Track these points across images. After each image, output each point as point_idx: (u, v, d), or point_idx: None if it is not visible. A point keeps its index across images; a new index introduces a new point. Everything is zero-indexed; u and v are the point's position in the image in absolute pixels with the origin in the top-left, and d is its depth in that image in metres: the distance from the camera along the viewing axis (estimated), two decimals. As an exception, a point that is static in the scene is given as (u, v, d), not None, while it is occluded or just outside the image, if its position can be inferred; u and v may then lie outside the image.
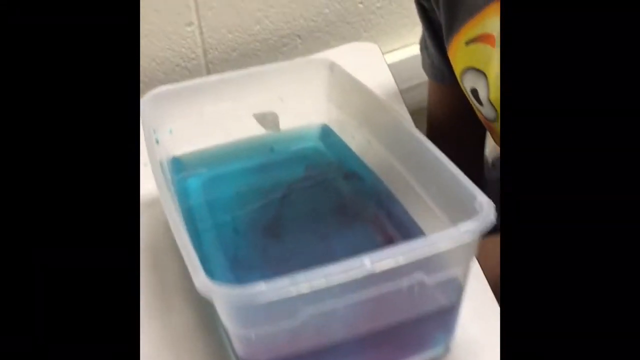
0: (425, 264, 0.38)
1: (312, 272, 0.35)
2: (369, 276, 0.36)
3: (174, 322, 0.48)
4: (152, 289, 0.51)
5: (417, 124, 0.65)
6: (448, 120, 0.75)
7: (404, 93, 0.73)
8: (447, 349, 0.44)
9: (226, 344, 0.44)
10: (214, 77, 0.60)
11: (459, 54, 0.60)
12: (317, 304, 0.37)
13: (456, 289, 0.41)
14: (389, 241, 0.48)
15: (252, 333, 0.37)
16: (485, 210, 0.38)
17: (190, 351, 0.46)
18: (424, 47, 0.70)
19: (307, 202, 0.55)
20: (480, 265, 0.49)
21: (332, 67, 0.57)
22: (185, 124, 0.57)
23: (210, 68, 0.85)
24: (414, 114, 0.70)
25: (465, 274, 0.41)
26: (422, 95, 0.78)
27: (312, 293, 0.35)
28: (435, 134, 0.77)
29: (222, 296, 0.35)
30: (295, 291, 0.35)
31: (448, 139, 0.75)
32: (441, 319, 0.42)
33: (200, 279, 0.36)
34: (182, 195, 0.56)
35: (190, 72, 0.84)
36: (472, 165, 0.78)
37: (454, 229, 0.37)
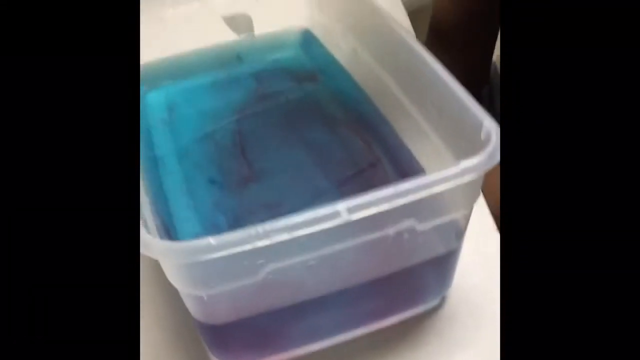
0: (416, 210, 0.31)
1: (274, 223, 0.28)
2: (345, 226, 0.29)
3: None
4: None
5: (416, 27, 0.57)
6: (457, 21, 0.67)
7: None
8: (442, 301, 0.38)
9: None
10: (176, -27, 0.51)
11: None
12: (282, 259, 0.30)
13: (455, 234, 0.34)
14: (378, 173, 0.41)
15: (203, 293, 0.31)
16: (493, 141, 0.31)
17: (143, 303, 0.40)
18: None
19: (284, 119, 0.47)
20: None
21: (314, -41, 0.48)
22: (144, 30, 0.49)
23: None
24: (413, 14, 0.61)
25: (467, 216, 0.34)
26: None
27: (274, 248, 0.28)
28: (440, 37, 0.68)
29: (163, 253, 0.28)
30: (251, 248, 0.28)
31: (455, 43, 0.67)
32: (436, 268, 0.36)
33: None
34: (142, 113, 0.48)
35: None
36: (477, 74, 0.71)
37: (452, 167, 0.30)
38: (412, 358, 0.36)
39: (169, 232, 0.39)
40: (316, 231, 0.28)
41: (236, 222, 0.39)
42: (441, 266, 0.36)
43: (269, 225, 0.28)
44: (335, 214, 0.29)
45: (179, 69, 0.51)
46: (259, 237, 0.28)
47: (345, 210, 0.29)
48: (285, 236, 0.28)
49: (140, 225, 0.29)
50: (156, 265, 0.41)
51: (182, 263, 0.29)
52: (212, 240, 0.28)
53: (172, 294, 0.39)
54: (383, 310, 0.36)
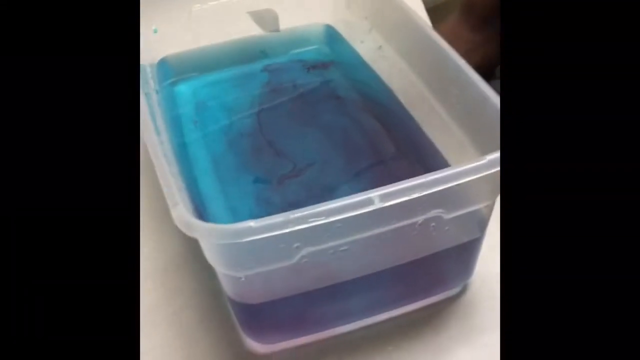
0: (443, 200, 0.32)
1: (311, 209, 0.30)
2: (376, 213, 0.30)
3: (163, 248, 0.44)
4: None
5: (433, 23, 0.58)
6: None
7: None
8: (464, 288, 0.39)
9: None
10: (204, -31, 0.52)
11: None
12: (317, 243, 0.31)
13: (478, 224, 0.36)
14: (401, 164, 0.43)
15: (241, 274, 0.32)
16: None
17: (177, 282, 0.41)
18: None
19: (308, 111, 0.48)
20: None
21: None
22: (172, 24, 0.51)
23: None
24: (430, 11, 0.62)
25: (490, 207, 0.35)
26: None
27: (310, 232, 0.30)
28: (473, 15, 0.68)
29: (205, 235, 0.30)
30: (289, 231, 0.30)
31: (487, 21, 0.67)
32: (460, 256, 0.37)
33: (179, 214, 0.30)
34: (170, 103, 0.50)
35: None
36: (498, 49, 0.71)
37: (479, 159, 0.31)
38: (434, 341, 0.37)
39: (200, 211, 0.41)
40: (350, 217, 0.30)
41: (260, 206, 0.41)
42: (464, 254, 0.37)
43: (306, 211, 0.30)
44: (369, 201, 0.30)
45: (206, 62, 0.53)
46: (296, 221, 0.30)
47: (378, 197, 0.30)
48: (321, 221, 0.30)
49: (181, 207, 0.31)
50: (189, 247, 0.43)
51: (223, 244, 0.31)
52: (252, 223, 0.29)
53: (204, 275, 0.41)
54: (408, 295, 0.38)
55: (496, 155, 0.31)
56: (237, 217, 0.41)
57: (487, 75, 0.37)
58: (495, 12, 0.68)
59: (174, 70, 0.52)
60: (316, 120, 0.48)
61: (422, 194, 0.31)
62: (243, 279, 0.33)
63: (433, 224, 0.33)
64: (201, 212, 0.41)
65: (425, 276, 0.37)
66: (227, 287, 0.34)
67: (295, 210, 0.30)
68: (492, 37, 0.69)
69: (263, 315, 0.35)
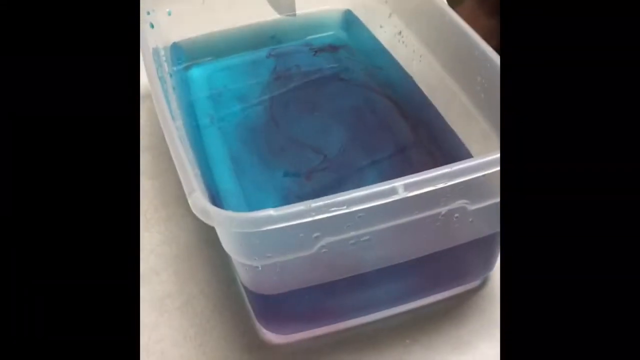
0: (468, 191, 0.31)
1: (333, 198, 0.29)
2: (399, 203, 0.30)
3: (175, 235, 0.43)
4: (150, 197, 0.45)
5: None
6: None
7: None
8: (484, 281, 0.39)
9: (233, 267, 0.38)
10: (220, -50, 0.51)
11: None
12: (337, 233, 0.31)
13: (501, 215, 0.35)
14: (421, 153, 0.42)
15: (259, 264, 0.31)
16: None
17: (191, 270, 0.41)
18: None
19: (326, 96, 0.47)
20: None
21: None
22: (187, 7, 0.50)
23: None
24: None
25: (514, 199, 0.34)
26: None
27: (331, 222, 0.29)
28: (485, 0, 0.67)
29: (223, 223, 0.29)
30: (310, 220, 0.29)
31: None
32: (481, 249, 0.36)
33: (196, 201, 0.29)
34: (183, 88, 0.49)
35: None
36: None
37: (506, 149, 0.30)
38: (454, 335, 0.36)
39: (215, 199, 0.40)
40: (372, 207, 0.29)
41: (275, 193, 0.41)
42: (486, 247, 0.36)
43: (328, 200, 0.29)
44: (392, 191, 0.29)
45: (220, 46, 0.52)
46: (317, 210, 0.29)
47: (402, 187, 0.29)
48: (342, 211, 0.29)
49: (198, 194, 0.30)
50: (202, 235, 0.42)
51: (241, 232, 0.30)
52: (272, 211, 0.29)
53: (217, 263, 0.40)
54: (427, 287, 0.37)
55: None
56: (251, 205, 0.40)
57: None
58: None
59: (188, 54, 0.51)
60: (334, 106, 0.47)
61: (447, 185, 0.30)
62: (260, 269, 0.32)
63: (457, 215, 0.32)
64: (215, 199, 0.40)
65: (446, 269, 0.36)
66: (244, 277, 0.34)
67: (317, 199, 0.29)
68: None
69: (279, 306, 0.34)
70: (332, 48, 0.51)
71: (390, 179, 0.30)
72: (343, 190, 0.29)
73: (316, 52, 0.51)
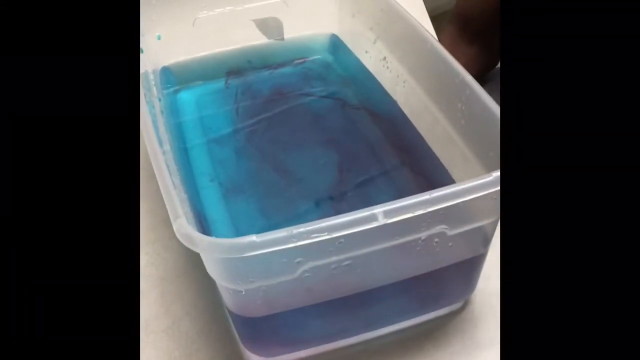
0: (448, 216, 0.32)
1: (315, 224, 0.29)
2: (380, 229, 0.30)
3: (162, 257, 0.43)
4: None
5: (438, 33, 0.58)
6: (484, 8, 0.67)
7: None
8: (465, 303, 0.39)
9: (218, 290, 0.39)
10: (210, -24, 0.52)
11: None
12: (319, 258, 0.31)
13: (482, 240, 0.35)
14: (408, 180, 0.42)
15: (242, 288, 0.32)
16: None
17: (177, 292, 0.41)
18: None
19: (309, 120, 0.48)
20: None
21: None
22: (176, 30, 0.51)
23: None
24: (434, 19, 0.63)
25: (494, 224, 0.35)
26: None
27: (313, 247, 0.30)
28: (465, 26, 0.68)
29: (207, 249, 0.30)
30: (292, 246, 0.29)
31: (480, 32, 0.67)
32: (462, 272, 0.37)
33: (181, 227, 0.30)
34: (173, 111, 0.50)
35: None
36: (492, 57, 0.71)
37: (484, 175, 0.31)
38: (435, 356, 0.37)
39: (201, 222, 0.40)
40: (353, 233, 0.30)
41: (259, 216, 0.41)
42: (467, 270, 0.37)
43: (310, 226, 0.29)
44: (373, 217, 0.30)
45: (209, 70, 0.52)
46: (299, 236, 0.29)
47: (382, 214, 0.30)
48: (324, 237, 0.30)
49: (182, 220, 0.30)
50: (189, 257, 0.43)
51: (225, 258, 0.30)
52: (255, 237, 0.29)
53: (204, 285, 0.41)
54: (409, 310, 0.38)
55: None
56: (237, 227, 0.41)
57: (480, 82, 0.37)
58: (490, 24, 0.68)
59: (177, 77, 0.52)
60: (318, 129, 0.48)
61: (426, 211, 0.30)
62: (244, 293, 0.32)
63: (437, 239, 0.33)
64: (202, 222, 0.41)
65: (427, 291, 0.37)
66: (228, 300, 0.34)
67: (298, 225, 0.29)
68: (486, 47, 0.69)
69: (263, 329, 0.35)
70: (318, 71, 0.52)
71: (372, 201, 0.30)
72: (327, 211, 0.30)
73: (303, 75, 0.52)
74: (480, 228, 0.34)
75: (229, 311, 0.35)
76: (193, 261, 0.42)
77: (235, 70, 0.52)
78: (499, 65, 0.71)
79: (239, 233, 0.41)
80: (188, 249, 0.30)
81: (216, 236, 0.40)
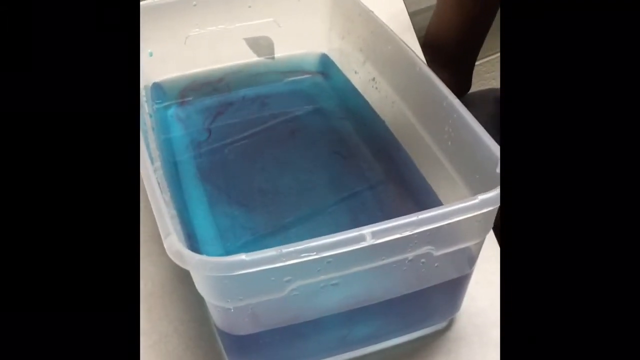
0: (434, 237, 0.32)
1: (304, 244, 0.30)
2: (367, 249, 0.31)
3: (150, 273, 0.43)
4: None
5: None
6: (455, 30, 0.70)
7: (412, 16, 0.66)
8: (450, 323, 0.40)
9: (206, 306, 0.39)
10: (202, -5, 0.53)
11: None
12: (307, 277, 0.32)
13: (467, 260, 0.36)
14: (391, 195, 0.43)
15: (231, 305, 0.32)
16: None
17: (164, 308, 0.41)
18: None
19: (297, 138, 0.49)
20: None
21: (336, -11, 0.50)
22: (168, 47, 0.51)
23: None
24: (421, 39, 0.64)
25: (480, 245, 0.36)
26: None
27: (301, 267, 0.30)
28: (435, 50, 0.70)
29: (197, 267, 0.30)
30: (281, 265, 0.30)
31: (449, 54, 0.69)
32: (448, 291, 0.38)
33: (171, 245, 0.30)
34: (163, 127, 0.51)
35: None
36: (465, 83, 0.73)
37: (470, 198, 0.32)
38: (420, 376, 0.38)
39: (191, 238, 0.41)
40: (341, 253, 0.30)
41: (245, 230, 0.42)
42: (452, 290, 0.38)
43: (298, 246, 0.30)
44: (360, 238, 0.30)
45: (200, 87, 0.53)
46: (288, 256, 0.30)
47: (369, 234, 0.31)
48: (312, 256, 0.30)
49: (173, 238, 0.31)
50: (177, 273, 0.43)
51: (214, 276, 0.31)
52: (244, 256, 0.30)
53: (191, 301, 0.41)
54: (394, 328, 0.38)
55: (488, 195, 0.32)
56: (225, 243, 0.41)
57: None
58: (459, 53, 0.70)
59: (169, 93, 0.52)
60: (306, 145, 0.48)
61: (413, 232, 0.31)
62: (232, 310, 0.33)
63: (423, 260, 0.34)
64: (191, 238, 0.41)
65: (413, 311, 0.38)
66: (216, 318, 0.34)
67: (287, 245, 0.30)
68: (458, 72, 0.71)
69: (250, 346, 0.35)
70: (307, 89, 0.53)
71: (357, 216, 0.31)
72: (315, 228, 0.30)
73: (292, 92, 0.53)
74: (465, 249, 0.35)
75: (216, 328, 0.36)
76: (181, 277, 0.43)
77: (225, 86, 0.53)
78: (470, 90, 0.73)
79: (225, 246, 0.41)
80: (176, 265, 0.31)
81: (204, 251, 0.40)
